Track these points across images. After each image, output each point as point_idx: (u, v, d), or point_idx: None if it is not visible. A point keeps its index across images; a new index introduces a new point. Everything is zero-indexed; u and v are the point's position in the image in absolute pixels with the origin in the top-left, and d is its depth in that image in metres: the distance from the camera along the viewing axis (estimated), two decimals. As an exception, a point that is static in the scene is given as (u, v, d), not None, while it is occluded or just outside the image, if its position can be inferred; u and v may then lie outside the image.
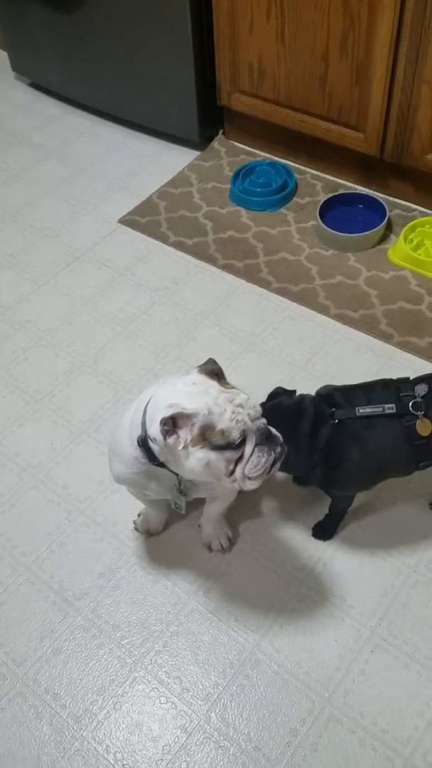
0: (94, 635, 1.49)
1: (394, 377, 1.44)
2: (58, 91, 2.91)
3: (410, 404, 1.34)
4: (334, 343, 2.01)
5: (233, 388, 1.20)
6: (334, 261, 2.23)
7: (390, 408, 1.34)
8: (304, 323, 2.07)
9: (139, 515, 1.64)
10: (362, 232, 2.22)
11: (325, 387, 1.45)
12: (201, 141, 2.65)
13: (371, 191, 2.41)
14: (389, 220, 2.28)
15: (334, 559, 1.58)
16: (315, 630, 1.48)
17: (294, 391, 1.44)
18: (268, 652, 1.46)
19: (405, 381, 1.41)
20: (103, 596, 1.55)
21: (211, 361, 1.23)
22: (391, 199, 2.39)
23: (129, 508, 1.66)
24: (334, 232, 2.23)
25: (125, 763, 1.34)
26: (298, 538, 1.62)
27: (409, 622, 1.48)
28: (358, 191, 2.41)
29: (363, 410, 1.35)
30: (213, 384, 1.18)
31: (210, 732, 1.37)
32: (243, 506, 1.67)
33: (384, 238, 2.28)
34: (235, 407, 1.15)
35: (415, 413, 1.34)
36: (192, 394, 1.16)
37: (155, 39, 2.42)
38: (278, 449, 1.20)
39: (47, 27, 2.67)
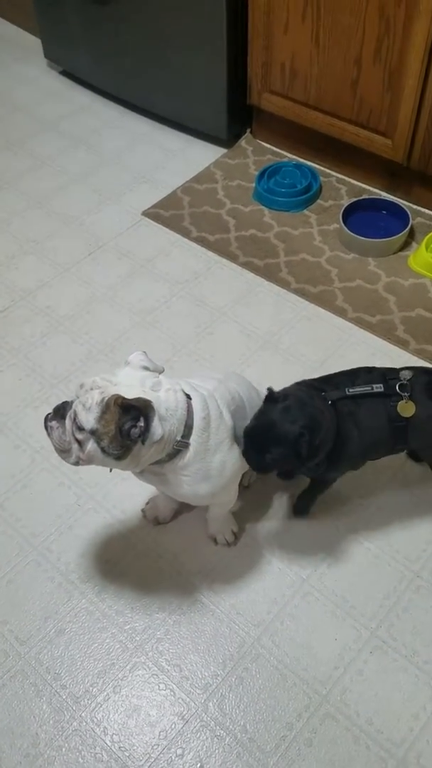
0: (97, 619, 1.51)
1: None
2: (89, 81, 2.93)
3: (397, 386, 1.39)
4: (349, 346, 2.02)
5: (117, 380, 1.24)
6: (354, 265, 2.24)
7: (378, 387, 1.39)
8: (320, 325, 2.08)
9: (147, 503, 1.66)
10: (384, 237, 2.23)
11: (303, 381, 1.45)
12: (228, 138, 2.66)
13: (395, 198, 2.41)
14: (412, 227, 2.29)
15: (338, 559, 1.59)
16: (316, 628, 1.49)
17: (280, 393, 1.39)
18: (268, 646, 1.47)
19: (387, 368, 1.47)
20: (108, 581, 1.56)
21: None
22: (415, 207, 2.39)
23: (138, 495, 1.68)
24: (356, 236, 2.24)
25: (122, 745, 1.35)
26: (303, 537, 1.63)
27: (409, 626, 1.49)
28: (382, 197, 2.41)
29: (353, 390, 1.39)
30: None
31: (207, 721, 1.38)
32: (250, 502, 1.69)
33: (405, 245, 2.28)
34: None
35: (402, 394, 1.39)
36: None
37: (189, 35, 2.43)
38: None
39: (82, 16, 2.69)
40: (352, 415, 1.38)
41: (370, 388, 1.39)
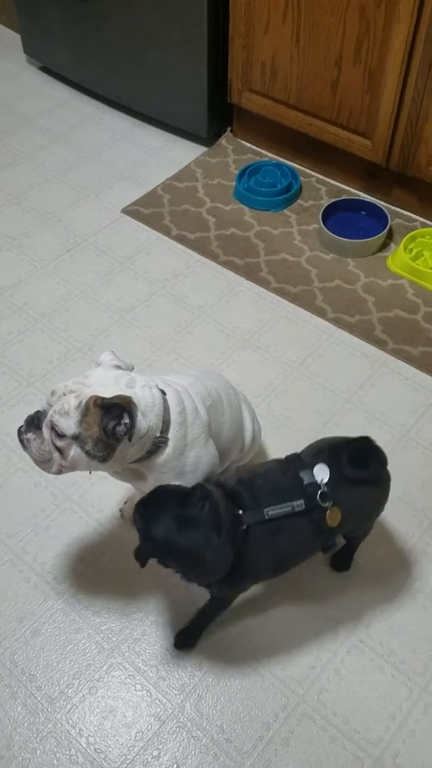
0: (73, 619, 1.49)
1: (288, 454, 1.34)
2: (69, 77, 2.91)
3: (318, 495, 1.25)
4: (328, 346, 2.02)
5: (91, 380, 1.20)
6: (333, 265, 2.24)
7: (299, 506, 1.24)
8: (300, 324, 2.08)
9: (125, 502, 1.65)
10: (363, 238, 2.24)
11: (230, 476, 1.36)
12: (209, 137, 2.65)
13: (374, 199, 2.42)
14: (390, 228, 2.30)
15: (316, 560, 1.59)
16: (293, 628, 1.49)
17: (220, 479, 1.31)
18: (246, 646, 1.46)
19: (299, 461, 1.31)
20: (85, 581, 1.55)
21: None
22: (394, 208, 2.41)
23: (116, 495, 1.67)
24: (336, 236, 2.24)
25: (97, 747, 1.34)
26: (281, 535, 1.63)
27: (386, 626, 1.50)
28: (361, 198, 2.42)
29: (272, 512, 1.24)
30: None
31: (183, 721, 1.37)
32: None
33: (384, 246, 2.29)
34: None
35: (324, 505, 1.25)
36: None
37: (170, 32, 2.42)
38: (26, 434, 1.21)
39: (62, 12, 2.66)
40: (267, 545, 1.25)
41: (290, 509, 1.24)
